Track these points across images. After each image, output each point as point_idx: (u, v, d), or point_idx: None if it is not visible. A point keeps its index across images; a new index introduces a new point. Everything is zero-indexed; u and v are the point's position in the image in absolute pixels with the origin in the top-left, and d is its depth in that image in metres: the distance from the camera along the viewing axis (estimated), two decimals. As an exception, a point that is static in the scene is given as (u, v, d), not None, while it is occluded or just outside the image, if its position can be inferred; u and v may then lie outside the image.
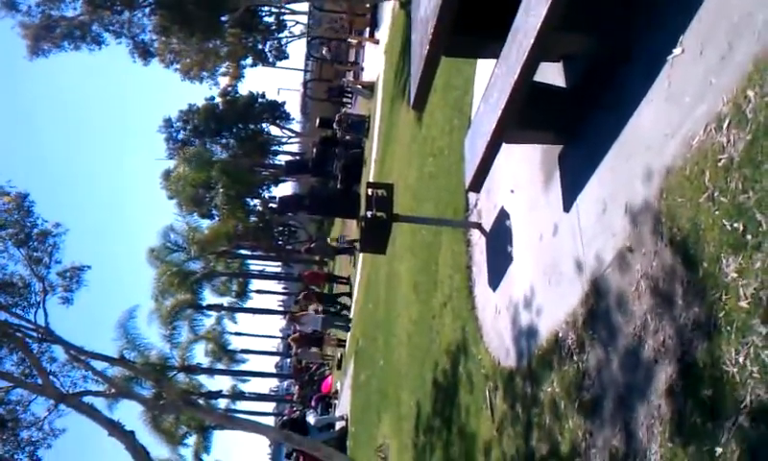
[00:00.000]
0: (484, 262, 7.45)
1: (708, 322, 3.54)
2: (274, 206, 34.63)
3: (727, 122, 3.53)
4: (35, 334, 14.52)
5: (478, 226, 7.57)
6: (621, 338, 4.38)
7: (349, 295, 23.02)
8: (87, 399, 12.88)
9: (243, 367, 38.42)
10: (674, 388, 3.75)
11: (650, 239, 4.16)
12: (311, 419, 20.46)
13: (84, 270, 19.52)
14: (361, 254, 19.96)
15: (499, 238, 6.87)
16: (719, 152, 3.55)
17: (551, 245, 5.62)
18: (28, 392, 16.19)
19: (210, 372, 35.67)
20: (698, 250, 3.69)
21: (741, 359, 3.22)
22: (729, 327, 3.35)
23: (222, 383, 37.14)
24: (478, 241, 7.74)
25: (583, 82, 5.20)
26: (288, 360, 50.51)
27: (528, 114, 5.07)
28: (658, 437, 3.83)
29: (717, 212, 3.53)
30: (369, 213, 7.63)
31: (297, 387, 28.36)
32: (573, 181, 5.24)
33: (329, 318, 21.84)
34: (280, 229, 36.68)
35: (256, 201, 35.37)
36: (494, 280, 6.95)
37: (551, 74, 5.50)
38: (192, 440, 34.97)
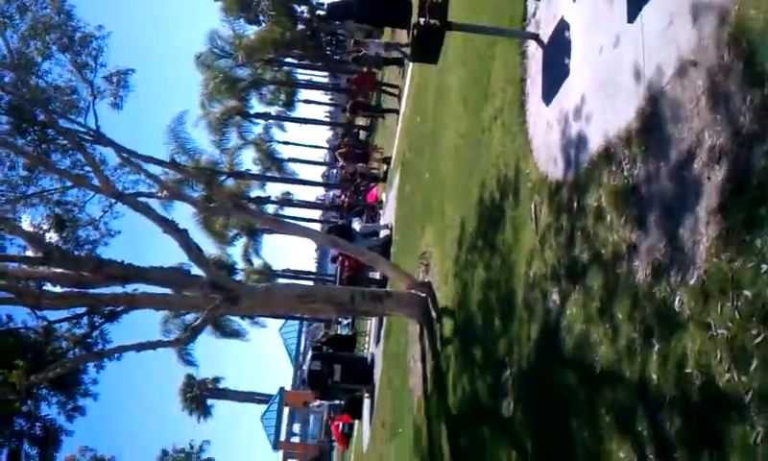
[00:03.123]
0: (539, 75, 7.26)
1: (766, 139, 3.47)
2: (321, 13, 33.66)
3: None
4: (87, 137, 14.86)
5: (535, 37, 7.31)
6: (674, 153, 4.33)
7: (396, 111, 22.83)
8: (141, 200, 13.34)
9: (290, 176, 39.25)
10: (725, 204, 3.76)
11: (716, 53, 3.99)
12: (356, 226, 21.06)
13: (128, 73, 19.64)
14: (410, 65, 19.56)
15: (557, 50, 6.65)
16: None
17: (611, 58, 5.44)
18: (83, 193, 16.90)
19: (258, 178, 36.56)
20: (766, 64, 3.55)
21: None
22: (790, 147, 3.30)
23: (270, 191, 38.10)
24: (534, 53, 7.51)
25: None
26: (334, 170, 51.32)
27: None
28: (703, 251, 3.89)
29: (793, 25, 3.35)
30: (422, 20, 7.37)
31: (344, 197, 28.95)
32: (641, -10, 4.96)
33: (392, 43, 21.20)
34: (328, 37, 35.85)
35: (304, 7, 34.38)
36: (548, 94, 6.81)
37: None
38: (242, 242, 36.65)
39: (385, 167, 24.71)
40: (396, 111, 22.41)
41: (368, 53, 22.34)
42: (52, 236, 17.35)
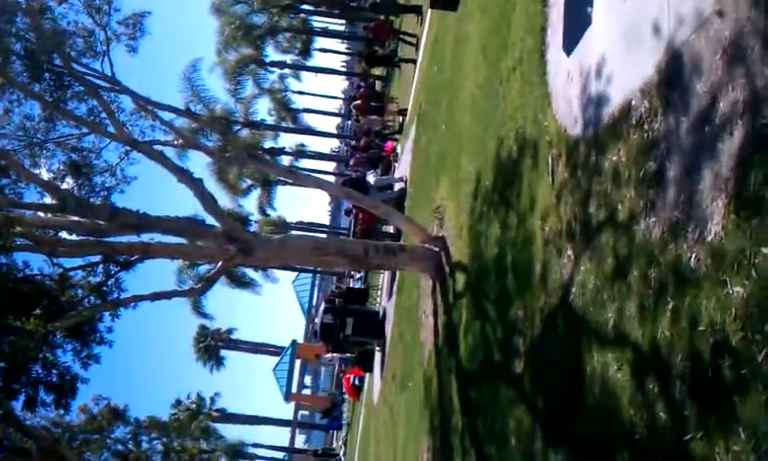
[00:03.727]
0: (560, 24, 7.09)
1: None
2: (339, -41, 33.12)
3: None
4: (102, 83, 14.78)
5: (557, -16, 7.12)
6: (697, 108, 4.22)
7: (409, 61, 22.47)
8: (156, 147, 13.30)
9: (305, 126, 39.07)
10: (745, 161, 3.67)
11: (743, 3, 3.84)
12: (371, 178, 20.96)
13: (144, 16, 19.41)
14: (429, 13, 19.21)
15: (578, -1, 6.47)
16: None
17: (635, 7, 5.28)
18: (99, 140, 16.87)
19: (274, 128, 36.43)
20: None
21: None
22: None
23: (285, 141, 38.01)
24: (556, 1, 7.32)
25: None
26: (349, 122, 50.99)
27: None
28: (722, 209, 3.81)
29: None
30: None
31: (360, 146, 28.77)
32: (668, -65, 4.78)
33: None
34: (345, -17, 35.30)
35: (322, -49, 33.80)
36: (569, 44, 6.65)
37: None
38: (256, 194, 36.69)
39: (401, 119, 24.47)
40: (414, 61, 22.10)
41: None
42: (68, 183, 17.38)
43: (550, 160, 6.79)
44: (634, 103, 5.05)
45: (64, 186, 16.86)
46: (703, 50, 4.22)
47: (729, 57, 3.94)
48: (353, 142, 33.26)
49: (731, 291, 3.60)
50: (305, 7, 35.45)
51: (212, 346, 44.84)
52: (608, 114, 5.53)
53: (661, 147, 4.59)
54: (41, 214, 11.23)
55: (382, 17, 24.83)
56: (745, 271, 3.52)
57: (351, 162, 29.08)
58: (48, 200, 11.19)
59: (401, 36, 24.69)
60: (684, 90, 4.39)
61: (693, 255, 4.01)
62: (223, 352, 46.94)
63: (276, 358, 52.92)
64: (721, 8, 4.04)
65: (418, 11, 22.59)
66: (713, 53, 4.10)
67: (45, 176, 16.16)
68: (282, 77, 36.41)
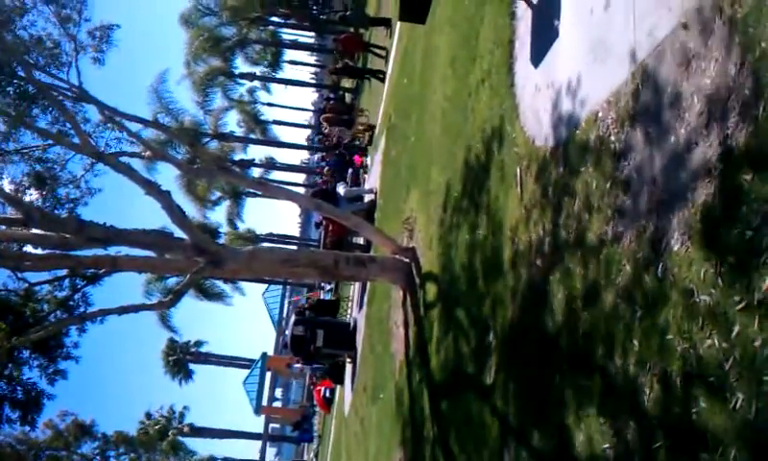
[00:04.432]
0: (528, 37, 7.16)
1: (756, 104, 3.44)
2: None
3: None
4: (69, 93, 14.58)
5: (524, -3, 7.19)
6: (664, 121, 4.28)
7: (381, 78, 22.51)
8: (123, 159, 13.15)
9: (274, 138, 38.94)
10: (712, 172, 3.72)
11: (708, 16, 3.92)
12: (341, 190, 20.93)
13: (113, 29, 19.28)
14: (398, 26, 19.30)
15: (546, 11, 6.54)
16: None
17: (601, 20, 5.35)
18: (65, 150, 16.64)
19: (242, 140, 36.25)
20: (758, 29, 3.49)
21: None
22: (778, 112, 3.25)
23: (254, 153, 37.89)
24: (524, 14, 7.39)
25: None
26: (318, 136, 50.92)
27: None
28: (689, 220, 3.87)
29: (788, -13, 3.29)
30: (410, -22, 7.24)
31: (326, 168, 28.78)
32: (633, -51, 4.86)
33: None
34: (315, -4, 35.36)
35: (291, -36, 33.79)
36: (537, 57, 6.72)
37: None
38: (225, 206, 36.44)
39: (369, 134, 24.52)
40: (383, 74, 22.18)
41: None
42: (32, 194, 17.11)
43: (519, 172, 6.84)
44: (601, 114, 5.12)
45: (28, 198, 16.59)
46: (669, 62, 4.29)
47: (695, 67, 4.01)
48: (322, 137, 33.06)
49: (698, 299, 3.65)
50: (275, 19, 35.44)
51: (181, 359, 44.35)
52: (575, 126, 5.58)
53: (629, 158, 4.65)
54: (4, 228, 11.00)
55: (352, 30, 24.88)
56: (711, 279, 3.57)
57: (322, 162, 29.00)
58: (12, 213, 10.98)
59: (371, 48, 24.78)
60: (651, 101, 4.46)
61: (660, 265, 4.05)
62: (192, 366, 46.49)
63: (247, 371, 52.45)
64: (686, 20, 4.12)
65: (387, 23, 22.70)
66: (679, 64, 4.17)
67: (8, 187, 15.89)
68: (252, 90, 36.30)
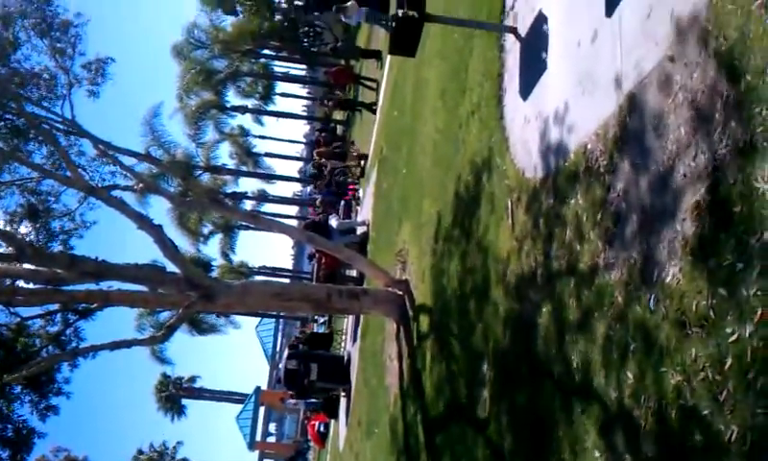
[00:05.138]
0: (516, 70, 7.22)
1: (744, 137, 3.45)
2: (300, 4, 33.44)
3: None
4: (62, 127, 14.63)
5: (513, 30, 7.26)
6: (652, 152, 4.30)
7: (372, 109, 22.59)
8: (116, 193, 13.16)
9: (266, 171, 38.99)
10: (701, 204, 3.73)
11: (694, 49, 3.96)
12: (333, 222, 20.92)
13: (108, 62, 19.38)
14: (388, 58, 19.45)
15: (535, 44, 6.61)
16: (782, -47, 3.29)
17: (589, 53, 5.40)
18: (59, 183, 16.63)
19: (235, 173, 36.28)
20: (743, 62, 3.53)
21: (775, 176, 3.16)
22: (765, 144, 3.27)
23: (246, 186, 37.92)
24: (512, 47, 7.46)
25: None
26: (311, 166, 51.01)
27: None
28: (679, 251, 3.86)
29: (770, 21, 3.33)
30: (400, 11, 7.29)
31: (319, 195, 28.82)
32: (619, -17, 4.93)
33: (371, 11, 20.34)
34: (306, 29, 35.60)
35: (282, -2, 34.16)
36: (526, 89, 6.77)
37: None
38: (217, 239, 36.33)
39: (362, 164, 24.60)
40: (374, 106, 22.32)
41: (349, 22, 21.73)
42: (26, 226, 17.08)
43: (509, 204, 6.86)
44: (590, 146, 5.14)
45: (22, 230, 16.55)
46: (657, 95, 4.32)
47: (682, 100, 4.04)
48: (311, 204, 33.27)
49: (690, 332, 3.63)
50: (266, 52, 35.68)
51: (174, 395, 43.90)
52: (564, 158, 5.61)
53: (618, 189, 4.66)
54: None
55: (343, 62, 25.08)
56: (703, 311, 3.56)
57: (316, 193, 28.98)
58: (4, 248, 10.93)
59: (362, 80, 24.96)
60: (639, 134, 4.48)
61: (652, 297, 4.04)
62: (185, 401, 45.98)
63: (240, 406, 51.90)
64: (673, 53, 4.16)
65: (377, 56, 22.90)
66: (667, 97, 4.20)
67: (2, 220, 15.86)
68: (243, 123, 36.44)
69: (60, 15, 17.76)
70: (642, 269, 4.21)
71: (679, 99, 4.07)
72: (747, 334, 3.22)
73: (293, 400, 28.06)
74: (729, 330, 3.34)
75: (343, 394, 20.19)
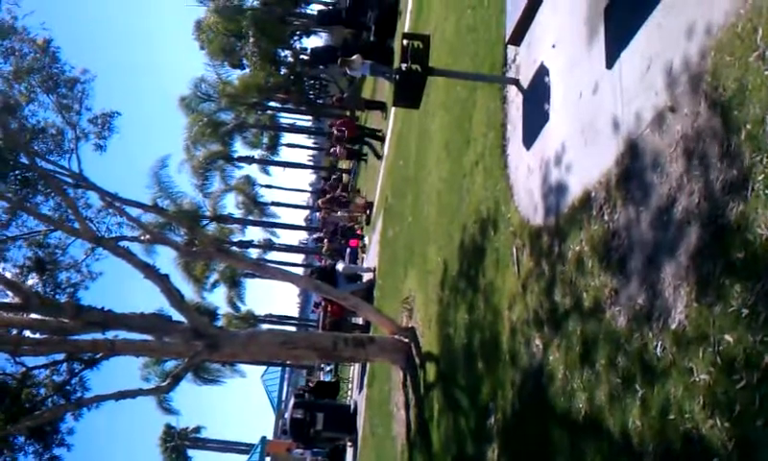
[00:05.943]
0: (519, 120, 7.33)
1: (744, 185, 3.49)
2: (305, 57, 34.00)
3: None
4: (70, 180, 14.79)
5: (515, 82, 7.40)
6: (654, 199, 4.35)
7: (378, 156, 22.78)
8: (123, 243, 13.25)
9: (273, 220, 39.21)
10: (704, 250, 3.77)
11: (693, 99, 4.04)
12: (339, 266, 20.96)
13: (114, 116, 19.62)
14: (393, 109, 19.71)
15: (537, 96, 6.72)
16: (776, 7, 3.38)
17: (590, 103, 5.50)
18: (66, 235, 16.75)
19: (241, 222, 36.48)
20: (742, 111, 3.59)
21: (776, 222, 3.20)
22: (766, 191, 3.32)
23: (253, 235, 38.04)
24: (515, 98, 7.59)
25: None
26: (317, 214, 51.27)
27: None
28: (684, 297, 3.88)
29: (767, 72, 3.40)
30: (403, 65, 7.44)
31: (326, 241, 28.94)
32: (618, 36, 5.05)
33: (376, 65, 20.43)
34: (311, 82, 36.18)
35: (288, 52, 34.72)
36: (529, 139, 6.86)
37: None
38: (224, 287, 36.33)
39: (367, 213, 24.74)
40: (380, 156, 22.52)
41: (354, 75, 21.84)
42: (33, 278, 17.13)
43: (515, 251, 6.90)
44: (593, 194, 5.20)
45: (29, 282, 16.60)
46: (658, 143, 4.39)
47: (683, 149, 4.11)
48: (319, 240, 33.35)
49: (697, 379, 3.63)
50: (272, 104, 36.19)
51: (179, 446, 43.38)
52: (568, 205, 5.67)
53: (622, 236, 4.71)
54: (3, 313, 10.98)
55: (348, 113, 25.38)
56: (710, 358, 3.57)
57: (322, 235, 29.06)
58: (11, 298, 10.99)
59: (366, 138, 25.21)
60: (641, 182, 4.54)
61: (659, 343, 4.06)
62: (191, 452, 45.40)
63: (246, 457, 51.19)
64: (673, 104, 4.24)
65: (382, 107, 23.18)
66: (668, 146, 4.27)
67: (9, 272, 15.92)
68: (250, 173, 36.77)
69: (66, 72, 18.08)
70: (648, 316, 4.23)
71: (679, 147, 4.13)
72: (755, 381, 3.22)
73: (299, 451, 27.74)
74: (736, 377, 3.34)
75: (349, 443, 19.99)
